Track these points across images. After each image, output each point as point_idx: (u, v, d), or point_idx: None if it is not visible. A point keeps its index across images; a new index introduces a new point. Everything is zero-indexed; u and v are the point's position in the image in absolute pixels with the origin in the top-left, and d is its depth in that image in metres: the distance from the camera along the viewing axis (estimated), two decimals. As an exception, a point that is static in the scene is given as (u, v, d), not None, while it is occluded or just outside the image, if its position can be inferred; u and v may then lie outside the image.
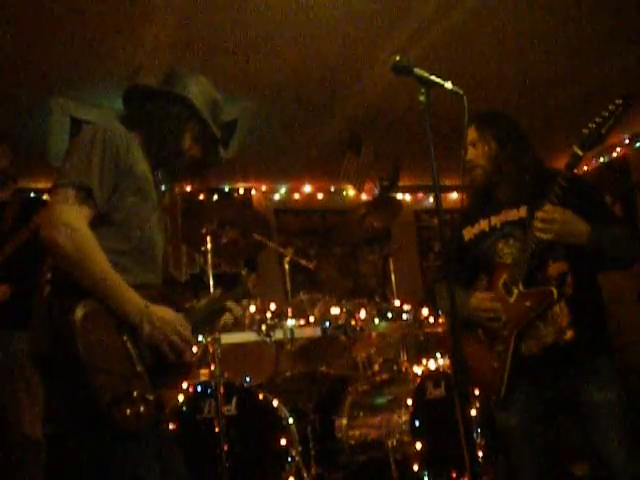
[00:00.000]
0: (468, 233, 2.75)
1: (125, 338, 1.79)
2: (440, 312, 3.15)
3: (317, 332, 4.28)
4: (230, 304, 2.27)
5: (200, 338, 3.71)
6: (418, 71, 2.04)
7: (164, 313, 1.90)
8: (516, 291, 2.50)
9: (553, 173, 2.48)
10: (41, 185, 5.64)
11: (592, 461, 2.99)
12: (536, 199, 2.47)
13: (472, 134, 2.66)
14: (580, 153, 2.37)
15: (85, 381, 1.68)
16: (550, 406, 2.51)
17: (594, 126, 2.36)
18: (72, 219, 1.81)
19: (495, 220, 2.65)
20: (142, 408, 1.74)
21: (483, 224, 2.69)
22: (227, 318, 2.30)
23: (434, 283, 2.95)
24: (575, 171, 2.39)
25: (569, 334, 2.42)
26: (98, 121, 2.11)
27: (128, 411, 1.71)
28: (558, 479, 2.54)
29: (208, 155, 2.25)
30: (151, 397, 1.78)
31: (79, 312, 1.72)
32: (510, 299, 2.51)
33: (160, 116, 2.13)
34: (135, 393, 1.74)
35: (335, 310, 4.36)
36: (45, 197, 5.46)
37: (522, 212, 2.57)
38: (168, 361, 1.88)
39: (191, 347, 1.94)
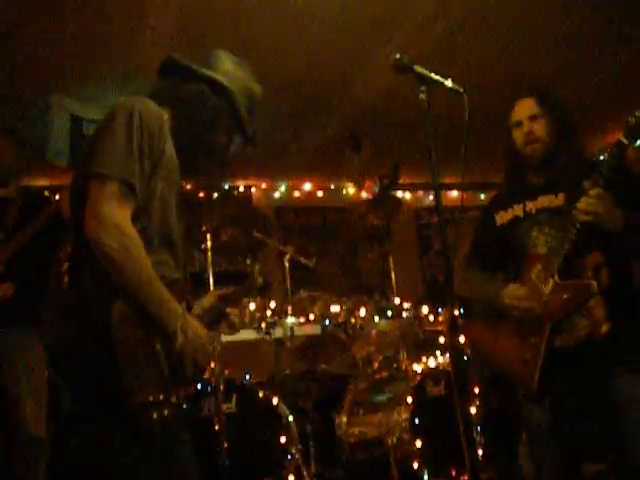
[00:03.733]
0: (501, 218, 2.65)
1: (155, 339, 1.76)
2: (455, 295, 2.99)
3: (317, 330, 4.28)
4: (229, 310, 2.20)
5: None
6: (418, 69, 2.03)
7: (197, 327, 1.85)
8: (551, 282, 2.40)
9: (595, 162, 2.41)
10: (41, 183, 5.64)
11: (604, 459, 2.93)
12: (575, 187, 2.39)
13: (533, 108, 2.58)
14: (625, 142, 2.29)
15: (117, 382, 1.65)
16: (581, 402, 2.44)
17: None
18: (121, 220, 1.71)
19: (530, 206, 2.56)
20: (167, 411, 1.73)
21: (517, 209, 2.59)
22: (224, 326, 2.25)
23: (463, 267, 2.81)
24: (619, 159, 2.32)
25: (604, 327, 2.34)
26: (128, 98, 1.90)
27: (155, 415, 1.70)
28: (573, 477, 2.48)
29: (232, 147, 2.11)
30: (174, 400, 1.77)
31: (117, 310, 1.68)
32: (545, 290, 2.42)
33: (197, 101, 1.98)
34: (162, 396, 1.72)
35: (335, 308, 4.36)
36: (46, 193, 5.46)
37: (560, 199, 2.49)
38: (186, 372, 1.84)
39: (210, 364, 1.83)
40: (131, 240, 1.72)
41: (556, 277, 2.41)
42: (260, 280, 2.48)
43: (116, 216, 1.72)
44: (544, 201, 2.53)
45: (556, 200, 2.50)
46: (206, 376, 3.67)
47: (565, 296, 2.39)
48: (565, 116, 2.60)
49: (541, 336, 2.41)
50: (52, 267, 3.37)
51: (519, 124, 2.60)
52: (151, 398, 1.70)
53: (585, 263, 2.40)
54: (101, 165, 1.76)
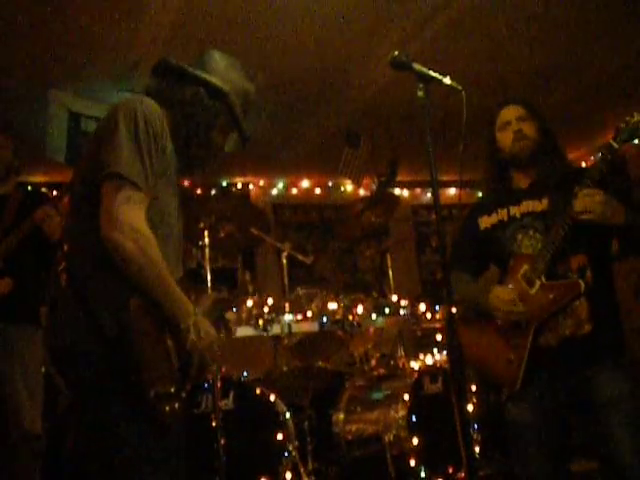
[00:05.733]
0: (484, 222, 2.67)
1: (167, 335, 1.79)
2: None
3: (314, 327, 4.28)
4: (226, 314, 2.23)
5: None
6: (417, 66, 2.02)
7: (207, 326, 1.88)
8: (538, 283, 2.44)
9: (577, 169, 2.46)
10: (39, 179, 5.63)
11: (591, 457, 2.95)
12: (558, 192, 2.44)
13: (520, 111, 2.63)
14: (615, 145, 2.35)
15: (134, 376, 1.67)
16: (563, 401, 2.46)
17: (631, 119, 2.36)
18: (137, 221, 1.74)
19: (514, 210, 2.59)
20: (177, 405, 1.76)
21: (501, 213, 2.62)
22: (222, 330, 2.25)
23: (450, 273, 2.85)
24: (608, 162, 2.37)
25: (587, 327, 2.39)
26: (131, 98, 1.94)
27: (167, 408, 1.73)
28: (559, 475, 2.50)
29: (228, 145, 2.15)
30: (184, 394, 1.81)
31: (134, 307, 1.71)
32: (531, 291, 2.45)
33: (193, 104, 2.00)
34: (173, 390, 1.76)
35: (332, 305, 4.36)
36: (44, 190, 5.45)
37: (544, 204, 2.52)
38: (191, 370, 1.87)
39: (215, 365, 1.85)
40: (147, 240, 1.75)
41: (543, 278, 2.45)
42: (251, 288, 2.50)
43: (131, 218, 1.74)
44: (528, 206, 2.57)
45: (540, 205, 2.54)
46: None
47: (552, 296, 2.42)
48: (547, 125, 2.66)
49: (526, 337, 2.45)
50: (51, 265, 3.38)
51: (507, 124, 2.63)
52: (164, 389, 1.72)
53: (569, 264, 2.45)
54: (113, 167, 1.77)
